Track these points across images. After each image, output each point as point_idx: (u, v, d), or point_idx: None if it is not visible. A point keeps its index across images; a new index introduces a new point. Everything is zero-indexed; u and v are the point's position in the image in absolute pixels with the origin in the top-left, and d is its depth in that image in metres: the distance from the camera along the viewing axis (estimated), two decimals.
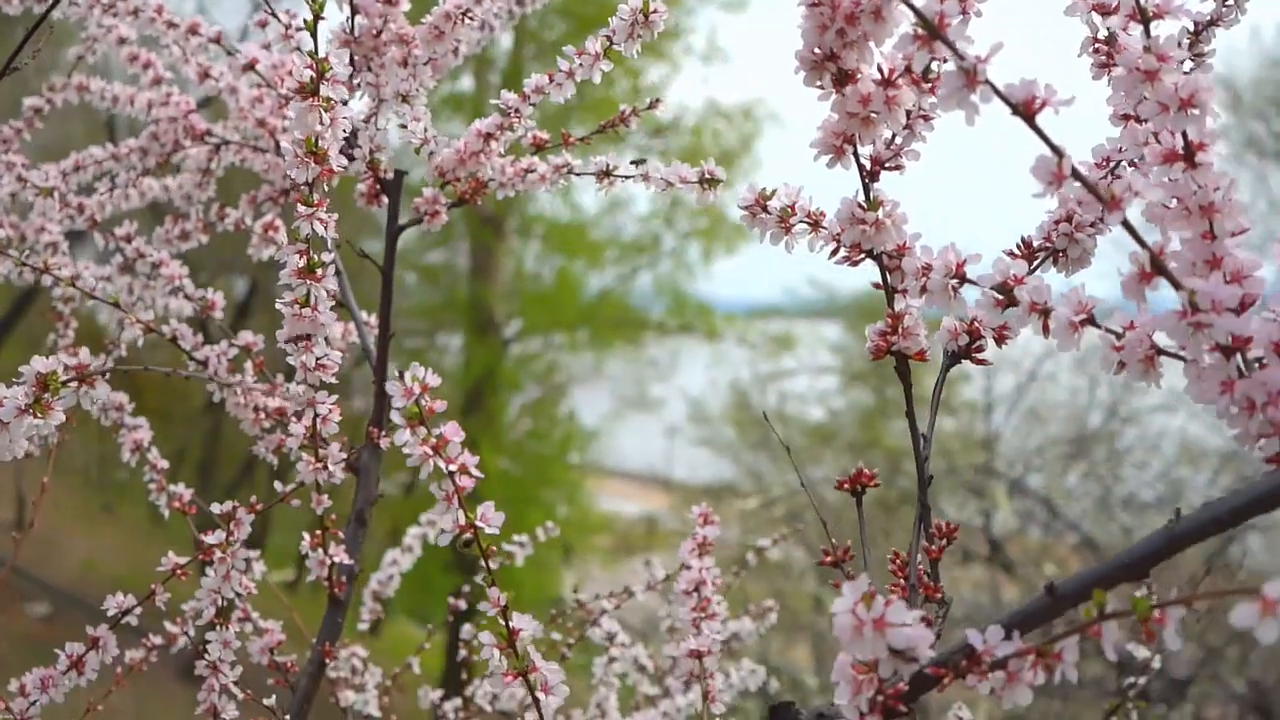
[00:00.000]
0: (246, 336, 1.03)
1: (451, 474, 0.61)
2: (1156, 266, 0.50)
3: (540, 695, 0.63)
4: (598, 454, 12.16)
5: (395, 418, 0.60)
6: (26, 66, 0.80)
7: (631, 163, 0.90)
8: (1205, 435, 7.41)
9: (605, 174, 0.93)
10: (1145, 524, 6.59)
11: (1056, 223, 0.66)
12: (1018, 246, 0.67)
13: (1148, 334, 0.53)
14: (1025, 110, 0.49)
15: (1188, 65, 0.71)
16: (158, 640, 1.09)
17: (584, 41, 0.90)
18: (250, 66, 1.03)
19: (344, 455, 0.89)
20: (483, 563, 0.63)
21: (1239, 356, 0.50)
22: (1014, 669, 0.49)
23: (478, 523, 0.61)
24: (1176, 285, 0.50)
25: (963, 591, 7.08)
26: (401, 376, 0.59)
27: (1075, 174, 0.49)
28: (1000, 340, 0.66)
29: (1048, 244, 0.67)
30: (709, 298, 11.70)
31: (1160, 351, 0.53)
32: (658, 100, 0.97)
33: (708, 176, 0.80)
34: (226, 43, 1.06)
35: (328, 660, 0.96)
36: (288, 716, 0.91)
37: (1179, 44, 0.69)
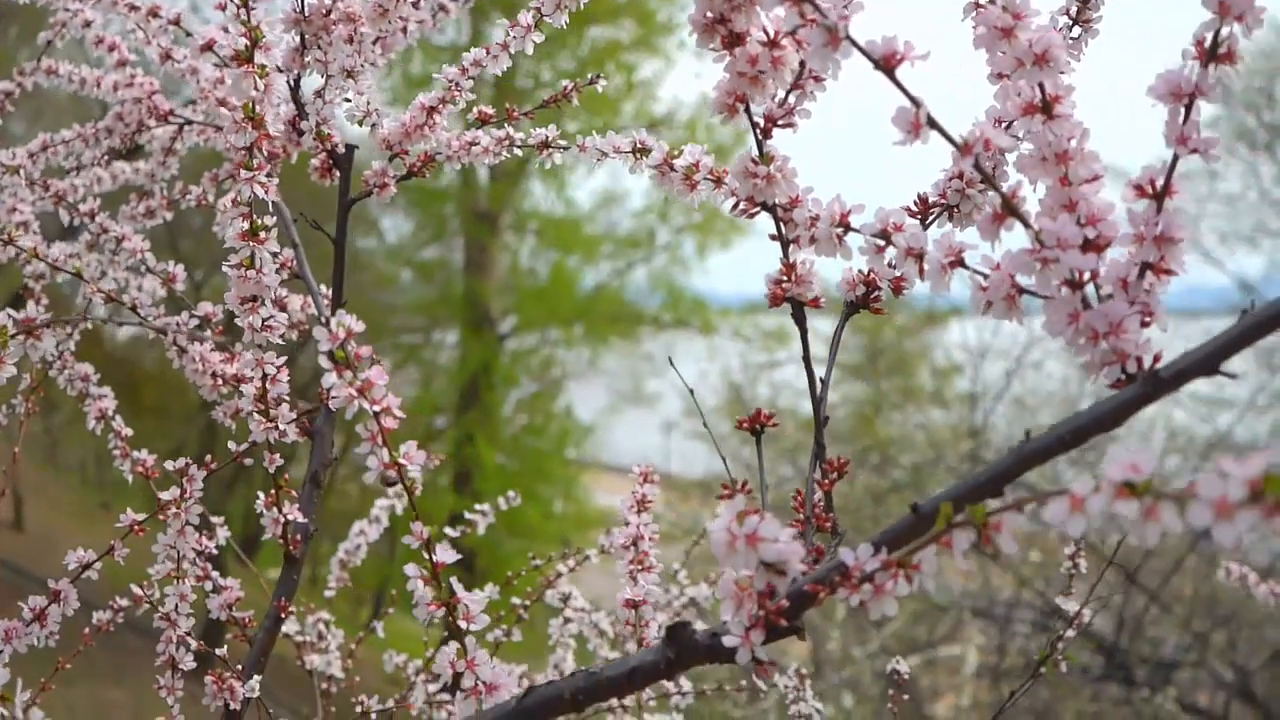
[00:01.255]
0: (205, 307, 1.06)
1: (376, 414, 0.65)
2: (1009, 208, 0.54)
3: (463, 624, 0.67)
4: (594, 449, 12.19)
5: (323, 362, 0.64)
6: None
7: (562, 138, 0.94)
8: (1191, 424, 7.46)
9: (545, 145, 0.96)
10: None
11: (950, 179, 0.71)
12: (914, 202, 0.71)
13: (1010, 274, 0.57)
14: (886, 64, 0.53)
15: (1076, 30, 0.75)
16: (124, 602, 1.13)
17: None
18: (208, 47, 1.07)
19: (294, 415, 0.93)
20: (408, 501, 0.67)
21: (1085, 291, 0.54)
22: (880, 581, 0.53)
23: (401, 460, 0.65)
24: (1026, 225, 0.54)
25: (950, 580, 7.13)
26: (328, 323, 0.63)
27: (932, 123, 0.54)
28: (897, 291, 0.70)
29: (942, 200, 0.71)
30: (704, 292, 11.74)
31: (1021, 290, 0.57)
32: (599, 76, 1.01)
33: (639, 146, 0.84)
34: (185, 25, 1.10)
35: (283, 615, 1.00)
36: (240, 667, 0.95)
37: (1065, 11, 0.74)
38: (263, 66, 0.71)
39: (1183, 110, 0.54)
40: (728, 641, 0.57)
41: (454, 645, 0.67)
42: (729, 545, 0.53)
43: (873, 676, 5.26)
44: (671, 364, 1.01)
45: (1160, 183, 0.55)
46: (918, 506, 0.54)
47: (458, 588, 0.67)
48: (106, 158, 1.21)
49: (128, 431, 1.12)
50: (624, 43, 11.02)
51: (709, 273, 11.89)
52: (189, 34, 1.10)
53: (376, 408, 0.65)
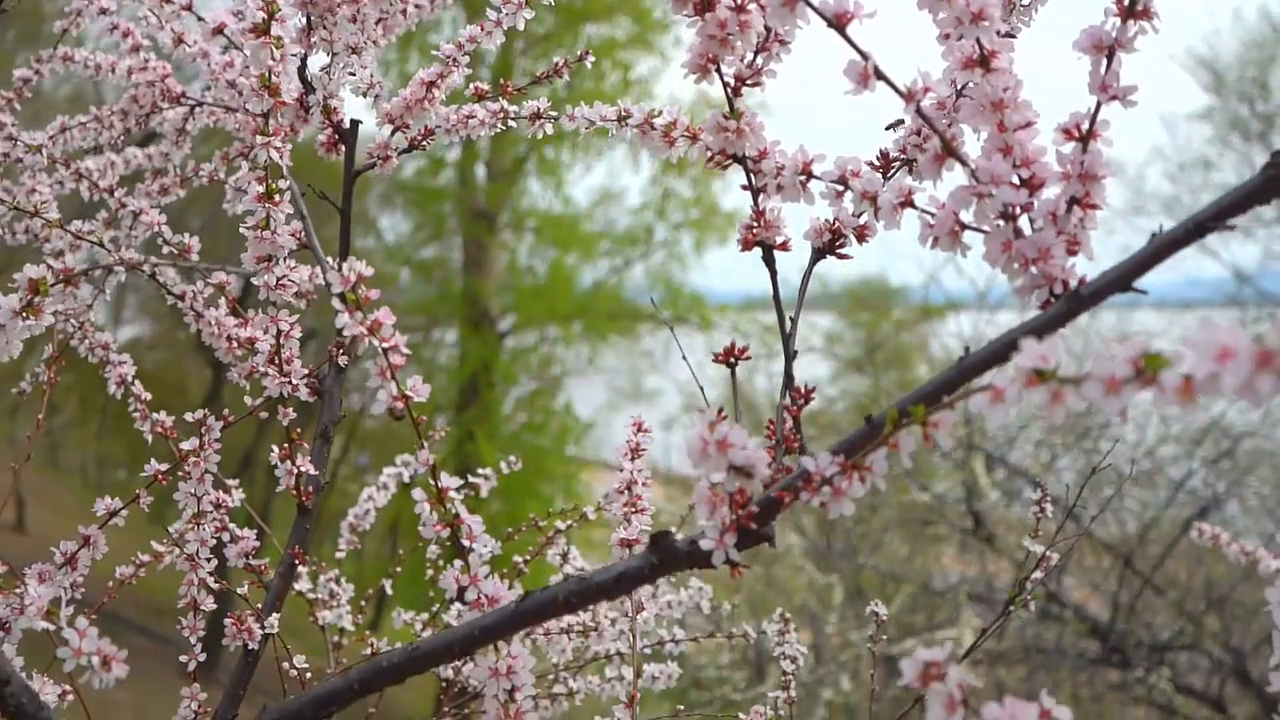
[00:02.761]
0: (220, 276, 1.13)
1: (385, 351, 0.71)
2: (948, 149, 0.61)
3: (466, 543, 0.73)
4: (594, 446, 12.25)
5: (335, 304, 0.70)
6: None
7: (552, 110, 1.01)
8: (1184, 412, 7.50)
9: (537, 116, 1.03)
10: (1127, 495, 6.71)
11: (909, 135, 0.77)
12: (877, 157, 0.78)
13: (953, 211, 0.64)
14: (838, 22, 0.60)
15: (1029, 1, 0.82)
16: (145, 557, 1.20)
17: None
18: (219, 30, 1.13)
19: (306, 371, 1.00)
20: (415, 431, 0.74)
21: (1018, 223, 0.60)
22: (837, 484, 0.60)
23: (408, 392, 0.72)
24: (964, 164, 0.60)
25: (947, 568, 7.21)
26: (339, 268, 0.70)
27: (879, 74, 0.60)
28: (860, 238, 0.77)
29: (903, 154, 0.77)
30: (702, 289, 11.80)
31: (962, 225, 0.64)
32: (587, 53, 1.07)
33: (623, 114, 0.90)
34: (196, 10, 1.17)
35: (297, 561, 1.06)
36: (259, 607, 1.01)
37: None
38: (279, 38, 0.77)
39: (1104, 61, 0.61)
40: (704, 545, 0.64)
41: (459, 563, 0.73)
42: (701, 450, 0.59)
43: (870, 659, 5.32)
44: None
45: (1085, 127, 0.61)
46: (871, 418, 0.61)
47: (461, 510, 0.74)
48: (122, 140, 1.28)
49: (146, 395, 1.19)
50: (619, 40, 11.08)
51: (707, 269, 11.95)
52: (200, 18, 1.17)
53: (385, 345, 0.71)
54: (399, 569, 1.57)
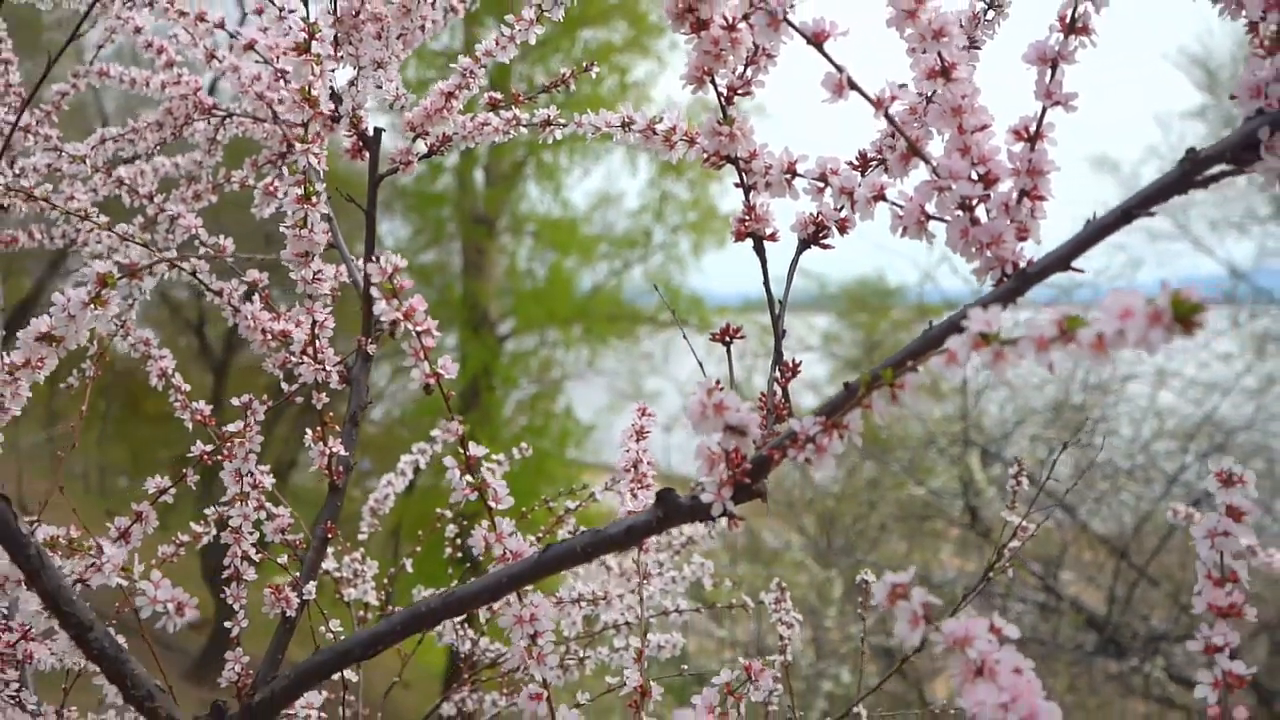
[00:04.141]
0: (253, 274, 1.22)
1: (419, 333, 0.80)
2: (913, 149, 0.70)
3: (492, 504, 0.82)
4: (595, 449, 12.32)
5: (374, 292, 0.79)
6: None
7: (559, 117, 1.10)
8: (1179, 406, 7.61)
9: (547, 123, 1.12)
10: (1123, 489, 6.81)
11: (883, 138, 0.86)
12: (856, 157, 0.87)
13: (919, 203, 0.73)
14: (816, 40, 0.69)
15: (990, 14, 0.91)
16: (185, 537, 1.28)
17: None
18: (250, 46, 1.22)
19: (339, 360, 1.09)
20: (444, 403, 0.83)
21: (975, 213, 0.69)
22: (820, 442, 0.69)
23: (439, 370, 0.81)
24: (926, 161, 0.69)
25: (945, 564, 7.29)
26: (378, 259, 0.79)
27: (852, 84, 0.69)
28: (842, 230, 0.86)
29: (879, 155, 0.86)
30: (701, 291, 11.89)
31: (928, 216, 0.73)
32: (593, 62, 1.16)
33: (627, 121, 0.99)
34: (230, 28, 1.26)
35: (329, 535, 1.15)
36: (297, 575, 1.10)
37: None
38: (318, 55, 0.86)
39: (1049, 71, 0.70)
40: (704, 498, 0.72)
41: (485, 523, 0.82)
42: (701, 413, 0.68)
43: (869, 653, 5.41)
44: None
45: (1033, 129, 0.70)
46: (849, 384, 0.70)
47: (488, 475, 0.83)
48: (157, 149, 1.37)
49: (186, 386, 1.28)
50: (616, 45, 11.18)
51: (705, 271, 12.04)
52: (233, 35, 1.26)
53: (419, 328, 0.80)
54: (419, 549, 1.65)
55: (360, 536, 1.55)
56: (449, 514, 1.62)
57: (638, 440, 1.13)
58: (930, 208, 0.72)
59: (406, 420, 11.45)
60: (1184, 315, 0.46)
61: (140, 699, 0.76)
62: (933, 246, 0.73)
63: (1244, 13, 0.65)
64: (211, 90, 1.37)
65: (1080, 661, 6.15)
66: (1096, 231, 0.65)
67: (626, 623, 1.32)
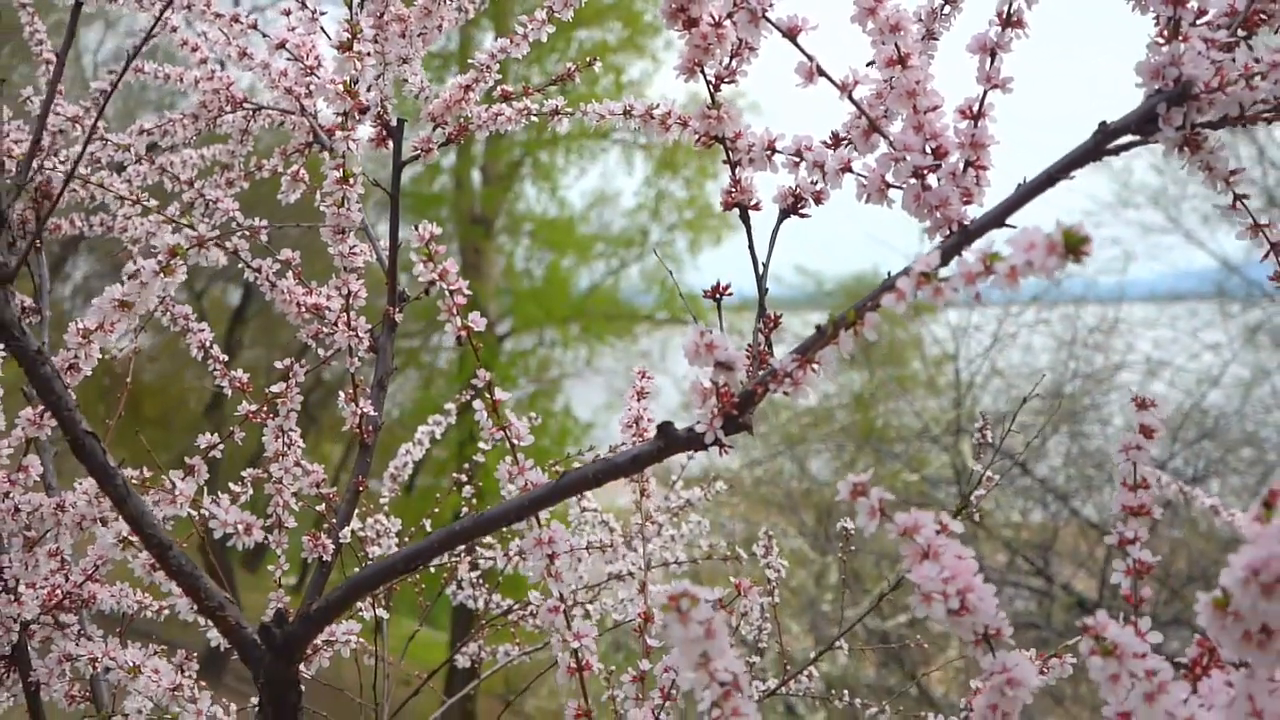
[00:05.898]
0: (286, 253, 1.34)
1: (451, 293, 0.92)
2: (873, 126, 0.82)
3: (515, 441, 0.94)
4: (594, 447, 12.33)
5: (414, 256, 0.91)
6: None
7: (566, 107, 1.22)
8: (1170, 395, 7.75)
9: (555, 112, 1.24)
10: (1113, 477, 6.94)
11: (852, 118, 0.98)
12: (830, 136, 0.99)
13: (880, 173, 0.85)
14: (790, 34, 0.81)
15: (946, 9, 1.03)
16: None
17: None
18: (281, 45, 1.34)
19: (370, 327, 1.21)
20: (475, 355, 0.95)
21: (926, 180, 0.82)
22: (796, 376, 0.81)
23: (469, 324, 0.93)
24: (885, 137, 0.82)
25: None
26: (417, 227, 0.91)
27: (821, 72, 0.81)
28: (818, 200, 0.98)
29: (848, 134, 0.98)
30: (698, 289, 11.96)
31: (888, 184, 0.85)
32: (595, 59, 1.29)
33: (628, 109, 1.11)
34: (261, 27, 1.38)
35: (360, 488, 1.27)
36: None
37: None
38: (360, 52, 0.98)
39: (989, 59, 0.82)
40: (698, 428, 0.84)
41: (509, 457, 0.94)
42: (694, 351, 0.80)
43: (865, 635, 5.53)
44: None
45: (976, 109, 0.83)
46: (820, 326, 0.82)
47: (511, 418, 0.95)
48: (193, 139, 1.49)
49: (224, 357, 1.39)
50: (611, 44, 11.30)
51: (702, 269, 12.14)
52: (265, 35, 1.38)
53: (451, 288, 0.92)
54: (437, 510, 1.77)
55: (381, 501, 1.67)
56: (464, 478, 1.74)
57: (638, 399, 1.25)
58: (889, 177, 0.84)
59: (406, 420, 11.54)
60: (1073, 246, 0.58)
61: (212, 609, 0.88)
62: (891, 207, 0.85)
63: (1150, 8, 0.77)
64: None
65: (1074, 646, 6.28)
66: (1025, 194, 0.77)
67: (629, 573, 1.44)
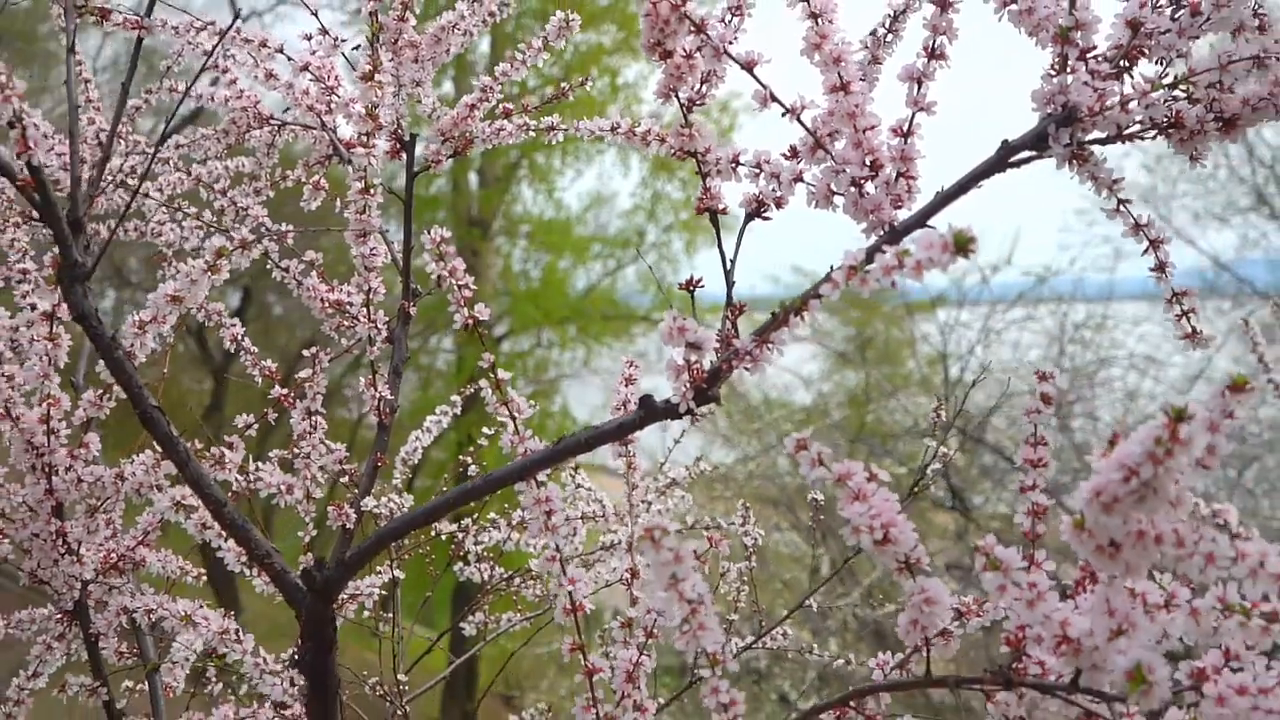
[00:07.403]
0: (310, 254, 1.49)
1: (460, 286, 1.08)
2: (818, 144, 0.97)
3: (515, 414, 1.10)
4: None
5: (428, 254, 1.07)
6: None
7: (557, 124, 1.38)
8: (1159, 392, 7.91)
9: (552, 128, 1.39)
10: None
11: (804, 137, 1.13)
12: (789, 149, 1.14)
13: (826, 183, 1.00)
14: (747, 66, 0.96)
15: (890, 37, 1.18)
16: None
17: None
18: (305, 68, 1.50)
19: (387, 319, 1.36)
20: (481, 343, 1.10)
21: (864, 188, 0.97)
22: (755, 355, 0.96)
23: (475, 314, 1.08)
24: (828, 152, 0.97)
25: (931, 540, 7.57)
26: (430, 230, 1.06)
27: (773, 98, 0.97)
28: (779, 205, 1.13)
29: (801, 149, 1.14)
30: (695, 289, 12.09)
31: (833, 192, 1.00)
32: (586, 78, 1.44)
33: (614, 126, 1.26)
34: (287, 51, 1.53)
35: (379, 464, 1.42)
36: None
37: (882, 25, 1.17)
38: (380, 81, 1.13)
39: (916, 85, 0.97)
40: (673, 399, 1.00)
41: (511, 428, 1.10)
42: (669, 333, 0.95)
43: (855, 624, 5.69)
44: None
45: (906, 128, 0.98)
46: (775, 312, 0.97)
47: (512, 393, 1.10)
48: (224, 153, 1.64)
49: (254, 349, 1.55)
50: (606, 47, 11.44)
51: (698, 269, 12.28)
52: (290, 58, 1.53)
53: (460, 282, 1.08)
54: (444, 487, 1.91)
55: (394, 482, 1.83)
56: (470, 460, 1.89)
57: (627, 386, 1.41)
58: (833, 186, 0.99)
59: (405, 420, 11.65)
60: (962, 245, 0.74)
61: (261, 557, 1.03)
62: (835, 211, 1.01)
63: (1045, 45, 0.93)
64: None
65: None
66: (941, 200, 0.92)
67: (619, 542, 1.59)
